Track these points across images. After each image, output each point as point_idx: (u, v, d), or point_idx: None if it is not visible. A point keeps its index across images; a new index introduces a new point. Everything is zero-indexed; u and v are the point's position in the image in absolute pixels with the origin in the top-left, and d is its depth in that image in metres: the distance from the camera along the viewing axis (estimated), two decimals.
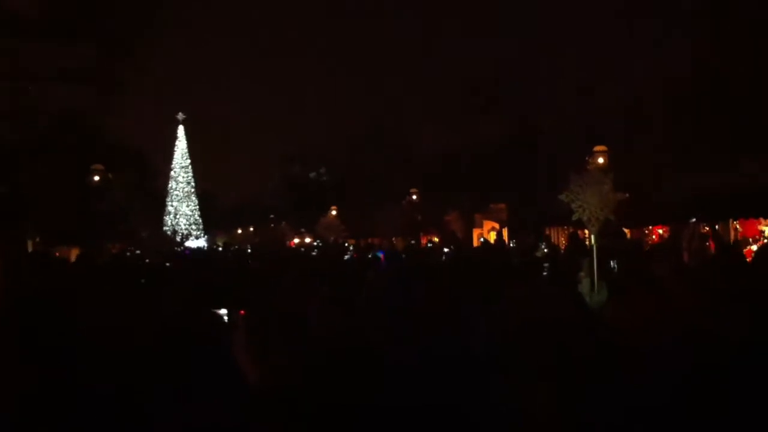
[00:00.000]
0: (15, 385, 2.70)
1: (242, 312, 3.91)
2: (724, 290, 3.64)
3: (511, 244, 23.16)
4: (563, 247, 18.04)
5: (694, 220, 17.48)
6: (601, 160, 19.64)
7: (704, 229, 17.51)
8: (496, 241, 20.90)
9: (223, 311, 5.00)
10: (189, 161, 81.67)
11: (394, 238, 28.54)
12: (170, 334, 3.67)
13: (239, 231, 66.21)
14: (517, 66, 32.28)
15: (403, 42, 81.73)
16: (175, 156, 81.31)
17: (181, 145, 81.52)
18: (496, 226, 28.77)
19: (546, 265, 10.49)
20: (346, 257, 15.77)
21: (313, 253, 20.43)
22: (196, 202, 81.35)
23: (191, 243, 66.20)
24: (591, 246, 9.19)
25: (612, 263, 9.16)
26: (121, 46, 22.40)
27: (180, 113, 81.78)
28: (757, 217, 17.55)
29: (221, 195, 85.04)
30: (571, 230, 18.74)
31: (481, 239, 23.67)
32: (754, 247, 15.42)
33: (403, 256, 12.35)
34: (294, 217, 49.70)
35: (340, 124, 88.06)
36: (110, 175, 25.54)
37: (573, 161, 15.94)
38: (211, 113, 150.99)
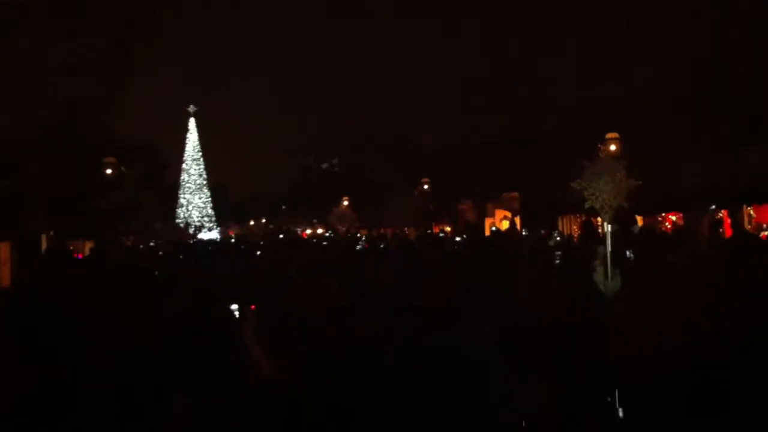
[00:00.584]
0: (15, 385, 2.69)
1: (253, 307, 3.90)
2: (739, 282, 3.59)
3: (524, 232, 23.06)
4: (576, 235, 17.95)
5: (713, 207, 17.35)
6: (613, 147, 19.53)
7: (717, 215, 17.39)
8: (509, 229, 20.81)
9: (234, 306, 5.00)
10: (200, 153, 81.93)
11: (406, 228, 28.51)
12: (172, 333, 3.68)
13: (252, 222, 66.37)
14: (522, 56, 32.20)
15: (411, 33, 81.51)
16: (186, 148, 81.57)
17: (192, 137, 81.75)
18: (509, 214, 28.67)
19: (558, 253, 10.42)
20: (358, 247, 15.75)
21: (324, 244, 20.41)
22: (209, 194, 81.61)
23: (205, 235, 66.44)
24: (604, 234, 9.13)
25: (628, 252, 9.09)
26: (128, 38, 22.41)
27: (191, 106, 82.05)
28: None
29: (233, 187, 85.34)
30: (583, 218, 18.64)
31: (493, 228, 23.57)
32: None
33: (416, 246, 12.31)
34: (306, 208, 49.76)
35: (351, 115, 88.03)
36: (123, 168, 25.65)
37: (584, 149, 15.84)
38: (221, 106, 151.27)
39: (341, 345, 3.42)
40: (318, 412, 3.01)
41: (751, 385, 2.87)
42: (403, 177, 36.03)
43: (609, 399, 3.03)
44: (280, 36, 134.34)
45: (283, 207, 59.05)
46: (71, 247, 17.62)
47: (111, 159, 25.43)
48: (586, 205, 9.21)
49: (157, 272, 8.91)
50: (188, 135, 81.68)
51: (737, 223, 14.03)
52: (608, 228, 8.86)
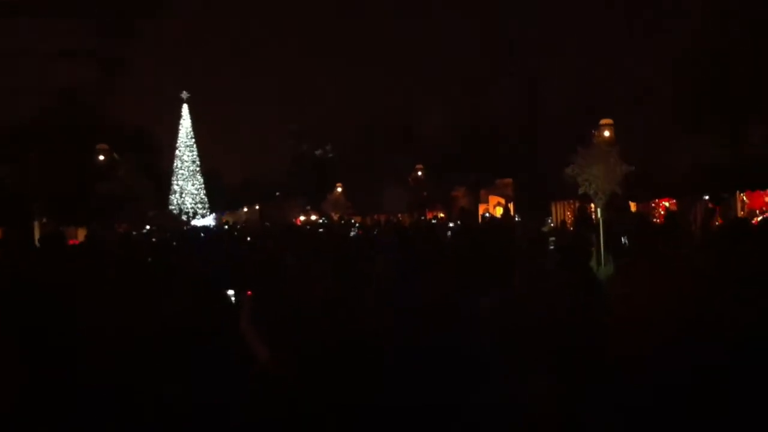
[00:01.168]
0: (14, 385, 2.68)
1: (249, 293, 3.89)
2: (730, 271, 3.60)
3: (517, 218, 23.10)
4: (569, 221, 17.97)
5: (707, 197, 17.41)
6: (607, 134, 19.53)
7: (710, 204, 17.45)
8: (503, 216, 20.83)
9: (231, 292, 5.00)
10: (194, 140, 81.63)
11: (399, 215, 28.51)
12: (170, 331, 3.68)
13: (245, 209, 66.22)
14: (516, 39, 32.14)
15: (405, 18, 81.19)
16: (179, 134, 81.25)
17: (185, 123, 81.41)
18: (503, 201, 28.69)
19: (552, 239, 10.46)
20: (352, 234, 15.76)
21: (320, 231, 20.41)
22: (202, 180, 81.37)
23: (199, 221, 66.28)
24: (598, 220, 9.16)
25: (623, 239, 9.13)
26: (122, 24, 22.27)
27: (184, 92, 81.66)
28: (764, 189, 17.46)
29: (227, 173, 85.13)
30: (577, 204, 18.68)
31: (486, 214, 23.58)
32: (761, 218, 15.35)
33: (409, 232, 12.32)
34: (300, 195, 49.69)
35: (345, 101, 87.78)
36: (116, 155, 25.51)
37: (578, 135, 15.85)
38: (215, 92, 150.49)
39: (336, 338, 3.43)
40: (314, 409, 3.01)
41: (746, 381, 2.89)
42: (397, 164, 35.99)
43: (608, 398, 3.04)
44: (275, 23, 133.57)
45: (277, 194, 58.92)
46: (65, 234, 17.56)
47: (104, 146, 25.27)
48: (580, 191, 9.25)
49: (151, 260, 8.89)
50: (181, 121, 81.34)
51: (725, 210, 14.07)
52: (601, 214, 8.90)
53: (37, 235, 20.17)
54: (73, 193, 23.09)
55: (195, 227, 42.23)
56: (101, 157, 24.83)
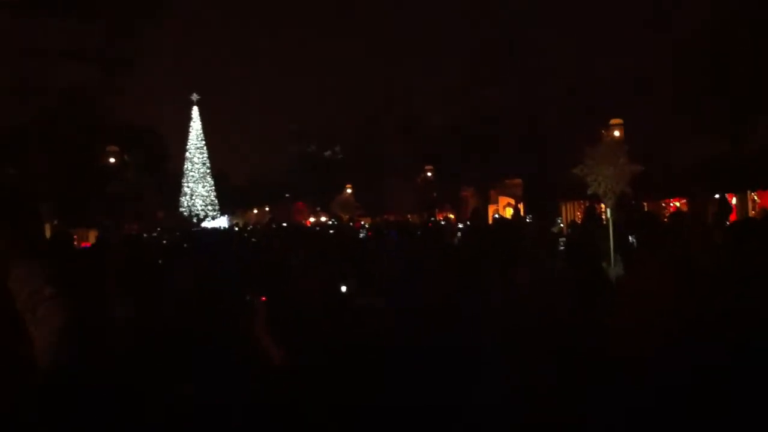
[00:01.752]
0: (14, 385, 2.68)
1: (264, 298, 3.88)
2: (735, 271, 3.56)
3: (528, 219, 23.04)
4: (579, 222, 17.90)
5: (717, 196, 17.31)
6: (617, 134, 19.46)
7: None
8: (513, 216, 20.78)
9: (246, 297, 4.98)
10: (204, 142, 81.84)
11: (409, 216, 28.49)
12: (176, 334, 3.68)
13: (255, 211, 66.36)
14: (520, 37, 32.09)
15: (409, 18, 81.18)
16: (189, 137, 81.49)
17: (195, 125, 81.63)
18: (512, 201, 28.62)
19: (563, 239, 10.42)
20: (361, 235, 15.76)
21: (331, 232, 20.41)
22: (212, 182, 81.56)
23: (209, 223, 66.42)
24: (607, 220, 9.11)
25: (630, 238, 9.09)
26: (128, 24, 22.28)
27: (194, 94, 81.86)
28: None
29: (236, 175, 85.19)
30: (586, 204, 18.61)
31: (495, 215, 23.54)
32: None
33: (419, 233, 12.31)
34: (309, 196, 49.75)
35: (352, 102, 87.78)
36: (126, 157, 25.62)
37: (586, 134, 15.81)
38: (224, 94, 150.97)
39: (338, 340, 3.43)
40: (316, 410, 3.01)
41: (748, 383, 2.85)
42: (405, 164, 35.97)
43: (611, 399, 3.02)
44: (279, 24, 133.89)
45: (286, 195, 59.01)
46: (75, 236, 17.64)
47: (113, 147, 25.37)
48: (589, 191, 9.19)
49: (161, 262, 8.91)
50: (191, 123, 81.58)
51: (724, 209, 13.97)
52: (610, 214, 8.85)
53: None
54: (83, 194, 23.18)
55: (205, 229, 42.37)
56: (111, 159, 24.95)
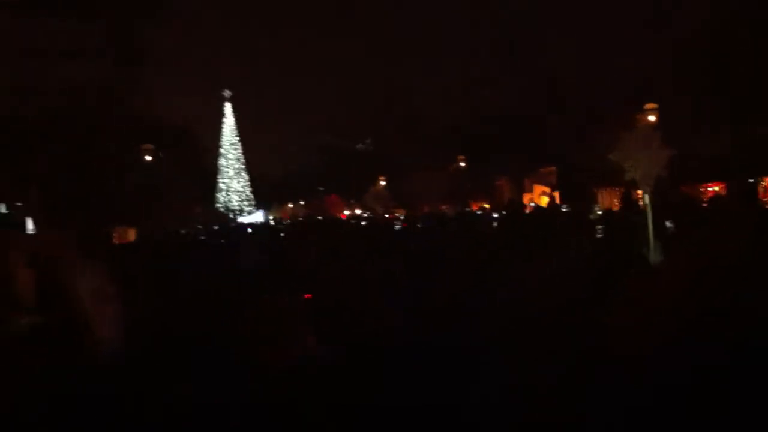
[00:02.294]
0: (14, 384, 2.73)
1: (307, 296, 3.89)
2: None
3: (564, 208, 22.85)
4: (616, 209, 17.73)
5: (751, 180, 17.00)
6: (652, 118, 19.21)
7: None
8: (549, 204, 20.62)
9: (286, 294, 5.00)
10: (238, 137, 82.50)
11: (443, 206, 28.45)
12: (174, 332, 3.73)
13: (290, 205, 66.82)
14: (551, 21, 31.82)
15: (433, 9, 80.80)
16: (223, 133, 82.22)
17: (228, 122, 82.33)
18: (547, 190, 28.44)
19: (600, 227, 10.34)
20: (397, 227, 15.76)
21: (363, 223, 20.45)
22: (247, 177, 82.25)
23: (246, 218, 66.96)
24: (645, 206, 9.02)
25: (667, 223, 8.98)
26: (145, 18, 22.38)
27: (226, 90, 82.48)
28: None
29: (271, 170, 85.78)
30: (623, 190, 18.40)
31: (532, 204, 23.39)
32: None
33: (450, 220, 12.30)
34: (343, 189, 49.93)
35: (383, 94, 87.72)
36: (160, 154, 25.96)
37: (621, 120, 15.64)
38: (255, 90, 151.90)
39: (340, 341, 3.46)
40: (318, 411, 3.04)
41: (749, 382, 2.81)
42: (438, 154, 35.90)
43: (609, 398, 3.00)
44: (306, 18, 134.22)
45: (320, 188, 59.31)
46: (115, 234, 17.93)
47: (148, 146, 25.73)
48: (626, 177, 9.09)
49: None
50: (224, 120, 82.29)
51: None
52: (648, 200, 8.75)
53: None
54: (120, 192, 23.51)
55: (241, 224, 42.72)
56: (147, 157, 25.33)
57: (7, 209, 25.05)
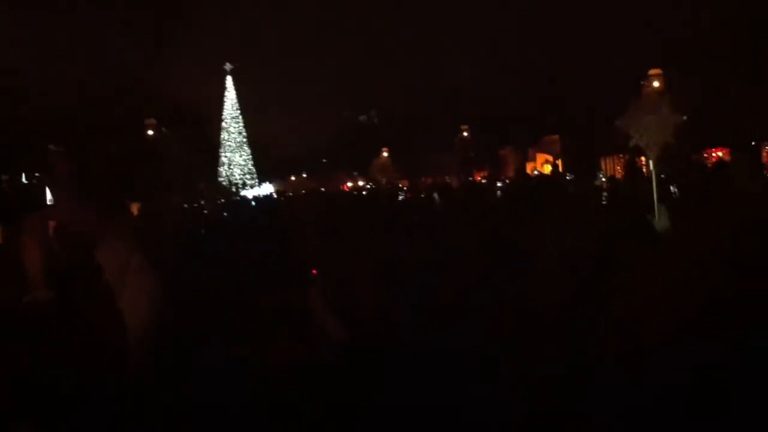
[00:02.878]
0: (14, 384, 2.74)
1: (314, 272, 3.88)
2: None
3: (568, 176, 22.82)
4: (620, 176, 17.68)
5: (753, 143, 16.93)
6: (656, 84, 19.09)
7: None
8: (553, 172, 20.61)
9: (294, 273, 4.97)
10: (239, 111, 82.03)
11: (447, 177, 28.41)
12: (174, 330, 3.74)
13: (293, 178, 66.67)
14: None
15: None
16: (225, 107, 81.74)
17: (230, 95, 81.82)
18: (551, 158, 28.37)
19: (605, 194, 10.34)
20: (401, 197, 15.76)
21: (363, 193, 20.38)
22: (249, 151, 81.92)
23: (250, 192, 66.77)
24: (650, 172, 9.00)
25: (672, 188, 8.98)
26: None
27: (228, 63, 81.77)
28: None
29: (273, 143, 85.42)
30: (626, 158, 18.35)
31: (535, 172, 23.36)
32: None
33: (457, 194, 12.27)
34: (346, 161, 49.83)
35: (388, 65, 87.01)
36: (164, 130, 25.90)
37: (625, 86, 15.54)
38: (256, 62, 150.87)
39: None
40: (318, 411, 3.07)
41: (749, 382, 2.82)
42: (442, 125, 35.76)
43: (609, 398, 3.02)
44: None
45: (324, 161, 59.18)
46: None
47: (152, 121, 25.66)
48: (631, 144, 9.06)
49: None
50: (226, 93, 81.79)
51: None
52: (653, 166, 8.72)
53: None
54: (130, 169, 23.54)
55: (246, 198, 42.58)
56: (150, 132, 25.28)
57: (26, 180, 25.11)
